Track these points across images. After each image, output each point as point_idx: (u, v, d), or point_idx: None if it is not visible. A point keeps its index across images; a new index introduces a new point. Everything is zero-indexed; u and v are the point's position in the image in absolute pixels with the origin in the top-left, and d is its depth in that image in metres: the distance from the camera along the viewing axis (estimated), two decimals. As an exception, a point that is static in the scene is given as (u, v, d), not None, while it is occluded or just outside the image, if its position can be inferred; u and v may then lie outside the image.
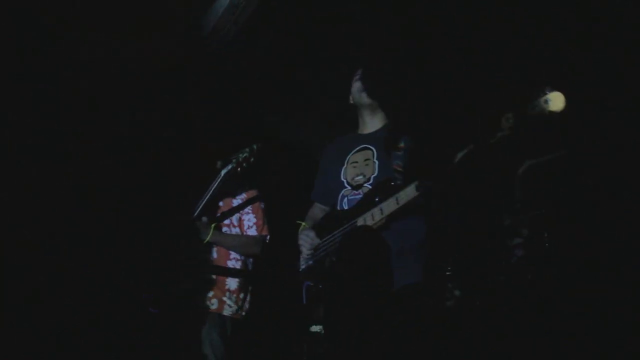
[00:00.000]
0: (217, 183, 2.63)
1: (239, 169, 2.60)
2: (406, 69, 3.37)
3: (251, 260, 2.88)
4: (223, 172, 2.62)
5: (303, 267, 2.20)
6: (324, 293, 2.12)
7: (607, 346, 2.63)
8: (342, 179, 2.21)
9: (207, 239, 2.68)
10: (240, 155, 2.62)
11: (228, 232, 2.83)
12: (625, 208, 2.95)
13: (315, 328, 2.87)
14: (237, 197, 2.87)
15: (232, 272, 2.75)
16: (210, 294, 2.69)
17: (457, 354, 2.72)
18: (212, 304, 2.68)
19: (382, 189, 2.01)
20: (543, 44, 3.23)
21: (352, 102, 2.29)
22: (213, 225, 2.72)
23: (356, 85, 2.24)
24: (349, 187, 2.17)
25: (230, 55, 3.86)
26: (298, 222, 2.34)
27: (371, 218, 1.97)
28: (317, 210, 2.38)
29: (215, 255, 2.78)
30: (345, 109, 2.38)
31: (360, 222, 2.00)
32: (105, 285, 4.19)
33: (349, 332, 2.05)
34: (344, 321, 1.97)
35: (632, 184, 2.95)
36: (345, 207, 2.15)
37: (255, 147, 2.64)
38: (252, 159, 2.61)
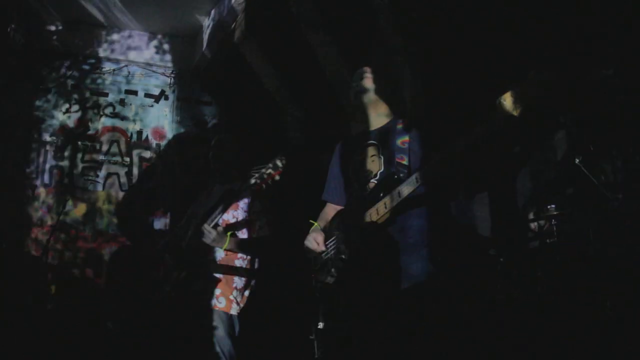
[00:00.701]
0: (238, 196, 2.56)
1: (263, 185, 2.42)
2: (407, 64, 3.38)
3: (257, 258, 2.86)
4: (245, 186, 2.47)
5: (313, 266, 2.19)
6: (328, 292, 2.12)
7: (607, 346, 2.63)
8: (350, 177, 2.21)
9: (224, 247, 2.66)
10: (265, 171, 2.43)
11: (241, 237, 2.81)
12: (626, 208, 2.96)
13: (321, 325, 2.87)
14: (242, 201, 2.83)
15: (240, 271, 2.73)
16: (218, 291, 2.66)
17: (458, 354, 2.72)
18: (220, 303, 2.65)
19: (386, 184, 2.01)
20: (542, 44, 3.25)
21: (353, 102, 2.28)
22: (229, 233, 2.69)
23: (356, 86, 2.24)
24: (357, 185, 2.16)
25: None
26: (310, 221, 2.32)
27: (376, 213, 1.97)
28: (330, 210, 2.35)
29: (223, 254, 2.75)
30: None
31: (367, 218, 2.00)
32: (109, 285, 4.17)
33: (355, 331, 2.04)
34: (350, 319, 1.97)
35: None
36: (354, 205, 2.14)
37: (280, 163, 2.42)
38: (277, 177, 2.42)
